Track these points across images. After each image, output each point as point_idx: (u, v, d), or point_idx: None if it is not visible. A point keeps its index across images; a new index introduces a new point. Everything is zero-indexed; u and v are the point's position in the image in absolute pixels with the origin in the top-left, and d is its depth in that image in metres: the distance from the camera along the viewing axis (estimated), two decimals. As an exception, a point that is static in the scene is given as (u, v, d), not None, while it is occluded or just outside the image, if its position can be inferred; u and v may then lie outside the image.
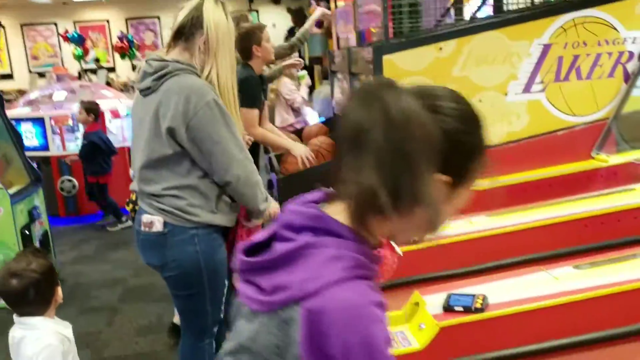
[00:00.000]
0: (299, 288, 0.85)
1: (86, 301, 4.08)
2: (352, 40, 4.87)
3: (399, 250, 1.17)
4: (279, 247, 0.89)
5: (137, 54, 15.87)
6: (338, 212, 0.91)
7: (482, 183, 0.99)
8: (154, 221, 1.97)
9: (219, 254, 2.09)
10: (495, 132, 3.63)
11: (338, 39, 5.03)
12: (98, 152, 5.76)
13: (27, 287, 1.72)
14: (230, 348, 0.97)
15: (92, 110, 5.77)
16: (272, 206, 2.16)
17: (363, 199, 0.87)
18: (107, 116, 6.34)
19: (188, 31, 1.97)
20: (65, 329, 1.82)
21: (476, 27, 3.60)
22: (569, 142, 3.67)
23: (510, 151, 3.63)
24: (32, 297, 1.74)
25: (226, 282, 2.15)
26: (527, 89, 3.65)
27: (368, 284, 0.88)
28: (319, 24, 9.53)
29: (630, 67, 3.68)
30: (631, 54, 3.68)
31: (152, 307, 3.77)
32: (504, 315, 1.95)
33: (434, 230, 0.94)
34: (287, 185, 3.40)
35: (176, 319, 3.21)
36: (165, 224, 1.97)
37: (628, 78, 3.69)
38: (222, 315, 2.22)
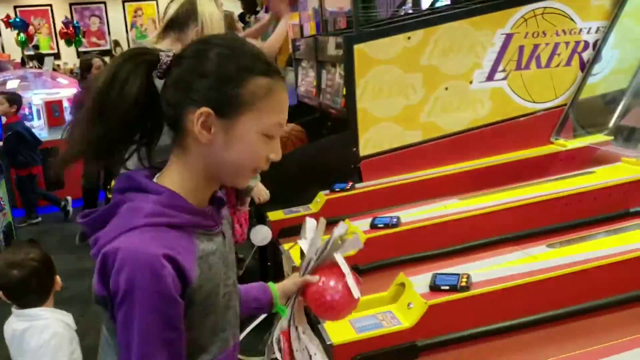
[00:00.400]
0: (104, 238, 0.96)
1: (57, 293, 4.01)
2: (307, 28, 4.95)
3: (349, 236, 1.26)
4: (106, 208, 1.02)
5: (83, 40, 15.41)
6: (166, 175, 1.04)
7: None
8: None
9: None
10: (460, 118, 3.78)
11: (302, 27, 5.07)
12: (24, 143, 5.58)
13: (28, 277, 1.72)
14: None
15: (14, 101, 5.61)
16: (257, 182, 2.19)
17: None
18: (66, 105, 6.19)
19: (182, 22, 1.99)
20: (66, 316, 1.82)
21: (443, 17, 3.72)
22: (530, 128, 3.85)
23: (475, 137, 3.78)
24: (34, 287, 1.74)
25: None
26: (490, 77, 3.80)
27: (168, 231, 0.97)
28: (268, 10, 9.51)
29: (586, 56, 3.88)
30: (587, 44, 3.88)
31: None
32: (487, 292, 2.07)
33: (246, 168, 1.03)
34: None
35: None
36: None
37: (584, 66, 3.89)
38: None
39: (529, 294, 2.08)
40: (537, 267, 2.16)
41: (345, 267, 1.28)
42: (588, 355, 1.69)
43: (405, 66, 3.63)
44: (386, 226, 2.74)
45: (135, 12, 15.83)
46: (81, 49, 14.85)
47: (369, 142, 3.65)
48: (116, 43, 14.41)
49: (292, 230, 2.94)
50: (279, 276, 2.90)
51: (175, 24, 2.00)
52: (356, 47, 3.53)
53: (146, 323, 0.93)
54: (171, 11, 2.00)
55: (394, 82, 3.61)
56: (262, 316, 2.14)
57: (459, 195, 3.08)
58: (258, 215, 3.35)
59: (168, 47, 2.01)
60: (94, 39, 15.82)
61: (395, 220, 2.77)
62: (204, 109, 0.97)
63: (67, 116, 6.12)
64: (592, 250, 2.23)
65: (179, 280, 0.95)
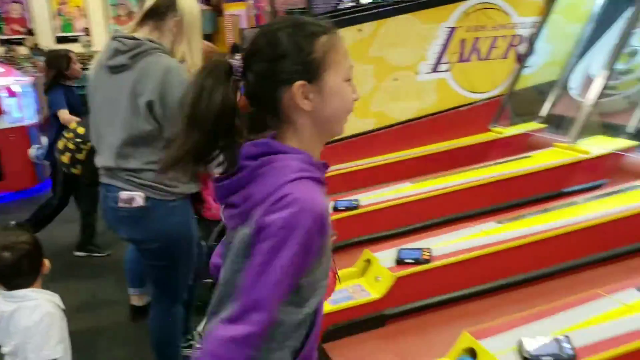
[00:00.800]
0: (262, 192, 1.06)
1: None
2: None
3: None
4: (244, 171, 1.11)
5: (4, 27, 14.69)
6: (283, 140, 1.15)
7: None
8: (134, 197, 2.04)
9: (192, 221, 2.22)
10: (408, 108, 4.00)
11: (259, 16, 5.13)
12: None
13: (20, 259, 1.75)
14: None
15: None
16: None
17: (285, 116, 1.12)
18: (3, 94, 5.96)
19: (162, 12, 2.05)
20: (54, 297, 1.86)
21: (392, 10, 3.90)
22: (471, 116, 4.12)
23: (422, 125, 4.01)
24: (25, 269, 1.77)
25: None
26: (435, 68, 4.04)
27: (315, 184, 1.09)
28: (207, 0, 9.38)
29: (521, 49, 4.18)
30: (522, 38, 4.18)
31: (83, 285, 3.73)
32: (448, 264, 2.27)
33: (345, 114, 1.16)
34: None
35: (134, 301, 3.21)
36: (146, 198, 2.05)
37: (519, 59, 4.19)
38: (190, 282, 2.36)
39: (484, 264, 2.30)
40: (490, 241, 2.39)
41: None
42: (531, 316, 1.90)
43: (357, 57, 3.79)
44: (347, 209, 2.92)
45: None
46: (1, 37, 14.17)
47: (323, 130, 3.79)
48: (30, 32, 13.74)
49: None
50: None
51: (155, 14, 2.06)
52: (310, 38, 3.66)
53: (284, 265, 1.03)
54: (151, 1, 2.05)
55: (347, 72, 3.77)
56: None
57: (410, 179, 3.28)
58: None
59: (146, 36, 2.08)
60: (15, 27, 15.13)
61: (355, 203, 2.94)
62: (298, 83, 1.08)
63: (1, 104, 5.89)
64: (535, 225, 2.48)
65: (321, 234, 1.08)
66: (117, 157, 2.05)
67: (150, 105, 1.99)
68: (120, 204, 2.08)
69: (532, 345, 1.62)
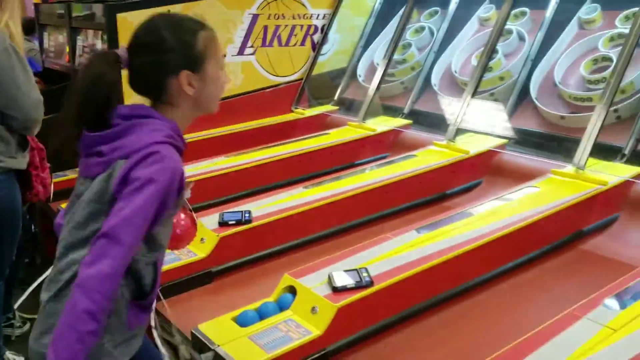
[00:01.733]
0: (131, 147, 1.25)
1: None
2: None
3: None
4: (116, 127, 1.30)
5: None
6: (159, 111, 1.35)
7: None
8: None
9: (18, 197, 2.20)
10: (217, 88, 4.22)
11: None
12: None
13: None
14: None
15: None
16: None
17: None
18: None
19: None
20: None
21: (201, -7, 4.08)
22: (274, 98, 4.49)
23: (230, 105, 4.25)
24: None
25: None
26: (241, 51, 4.31)
27: (176, 151, 1.29)
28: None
29: (316, 38, 4.65)
30: (316, 28, 4.65)
31: None
32: (264, 223, 2.58)
33: (219, 96, 1.41)
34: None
35: None
36: None
37: (315, 47, 4.65)
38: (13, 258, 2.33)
39: (295, 222, 2.67)
40: (298, 203, 2.76)
41: (187, 205, 1.64)
42: (338, 257, 2.30)
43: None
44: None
45: None
46: None
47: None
48: None
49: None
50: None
51: None
52: (119, 15, 3.69)
53: (144, 206, 1.20)
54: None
55: (157, 52, 3.87)
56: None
57: (223, 154, 3.54)
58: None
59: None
60: None
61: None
62: (184, 73, 1.29)
63: None
64: (333, 189, 2.91)
65: (177, 191, 1.26)
66: None
67: None
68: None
69: (339, 277, 2.00)
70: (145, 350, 1.46)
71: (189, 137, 3.84)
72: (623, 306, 1.83)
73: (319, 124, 4.29)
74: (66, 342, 1.14)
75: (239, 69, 4.31)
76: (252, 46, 4.34)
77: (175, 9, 3.94)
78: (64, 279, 1.26)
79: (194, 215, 1.69)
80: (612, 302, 1.85)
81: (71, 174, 3.42)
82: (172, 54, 1.30)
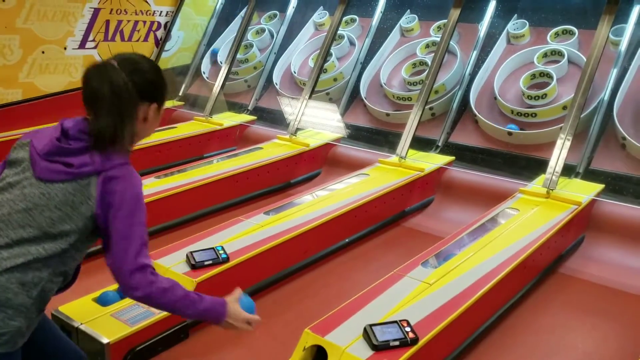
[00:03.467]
0: (101, 165, 1.39)
1: None
2: None
3: None
4: (79, 143, 1.40)
5: None
6: None
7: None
8: None
9: None
10: (58, 81, 4.13)
11: None
12: None
13: None
14: (18, 208, 1.41)
15: None
16: None
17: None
18: None
19: None
20: None
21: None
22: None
23: (72, 98, 4.19)
24: None
25: None
26: (82, 45, 4.25)
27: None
28: None
29: (160, 34, 4.71)
30: (159, 24, 4.71)
31: None
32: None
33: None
34: None
35: None
36: None
37: (158, 43, 4.71)
38: None
39: (158, 207, 2.78)
40: (157, 190, 2.87)
41: None
42: (199, 236, 2.48)
43: (1, 27, 3.75)
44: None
45: None
46: None
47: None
48: None
49: None
50: None
51: None
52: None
53: (144, 214, 1.40)
54: None
55: (-10, 41, 3.70)
56: None
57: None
58: None
59: None
60: None
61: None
62: (154, 105, 1.44)
63: None
64: (185, 179, 3.06)
65: None
66: None
67: None
68: None
69: (198, 255, 2.19)
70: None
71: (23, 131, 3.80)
72: (435, 266, 2.24)
73: (165, 118, 4.36)
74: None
75: (80, 62, 4.24)
76: (93, 40, 4.30)
77: (10, 1, 3.80)
78: (3, 266, 1.32)
79: None
80: (427, 263, 2.25)
81: None
82: (160, 84, 1.48)
